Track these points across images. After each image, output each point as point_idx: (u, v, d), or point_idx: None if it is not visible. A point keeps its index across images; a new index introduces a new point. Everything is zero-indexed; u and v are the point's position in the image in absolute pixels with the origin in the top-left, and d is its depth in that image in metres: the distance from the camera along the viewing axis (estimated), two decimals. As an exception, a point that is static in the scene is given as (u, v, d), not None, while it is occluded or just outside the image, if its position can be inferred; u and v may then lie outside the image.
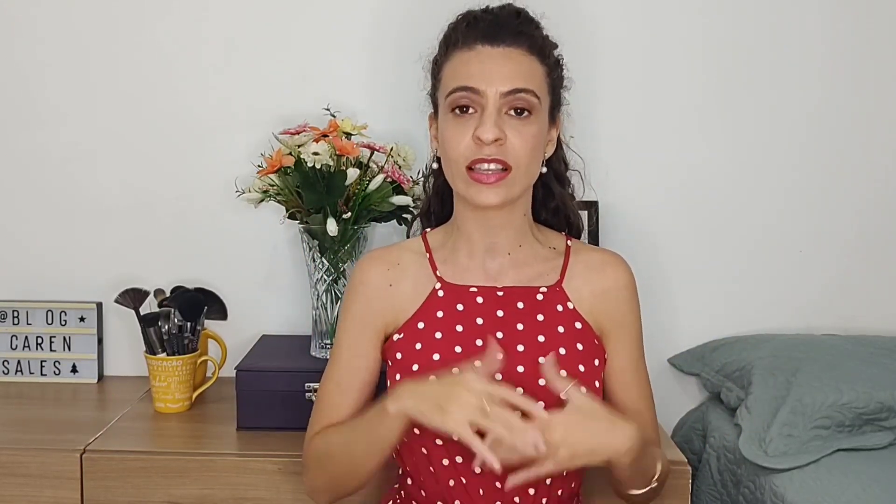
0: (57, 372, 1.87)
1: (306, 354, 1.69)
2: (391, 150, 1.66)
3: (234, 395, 1.60)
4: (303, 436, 1.36)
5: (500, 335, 1.28)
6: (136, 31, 1.86)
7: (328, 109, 1.68)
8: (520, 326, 1.29)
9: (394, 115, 1.79)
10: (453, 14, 1.36)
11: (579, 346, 1.29)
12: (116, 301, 1.72)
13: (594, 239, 1.79)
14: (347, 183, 1.58)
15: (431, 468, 1.26)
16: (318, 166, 1.57)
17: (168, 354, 1.67)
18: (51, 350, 1.87)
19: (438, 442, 1.25)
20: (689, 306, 1.87)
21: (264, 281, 1.88)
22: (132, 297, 1.70)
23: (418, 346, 1.28)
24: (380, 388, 1.33)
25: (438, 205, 1.44)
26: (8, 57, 1.88)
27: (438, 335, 1.28)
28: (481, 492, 1.25)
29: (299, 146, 1.61)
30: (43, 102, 1.88)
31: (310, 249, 1.66)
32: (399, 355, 1.29)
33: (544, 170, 1.34)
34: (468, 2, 1.39)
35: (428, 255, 1.37)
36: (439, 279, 1.33)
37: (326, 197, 1.58)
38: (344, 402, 1.32)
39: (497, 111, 1.25)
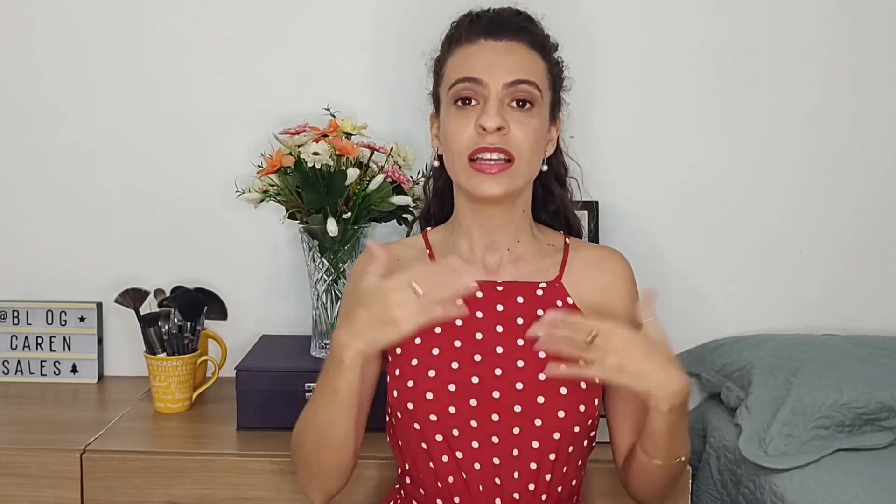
0: (57, 372, 1.87)
1: (306, 354, 1.69)
2: (391, 150, 1.66)
3: (234, 395, 1.60)
4: (303, 436, 1.36)
5: (499, 329, 1.29)
6: (136, 31, 1.86)
7: (328, 109, 1.68)
8: (520, 321, 1.29)
9: (394, 115, 1.79)
10: (453, 14, 1.37)
11: (579, 341, 1.29)
12: (116, 301, 1.72)
13: (594, 239, 1.79)
14: (347, 183, 1.58)
15: (431, 464, 1.26)
16: (318, 166, 1.57)
17: (168, 354, 1.67)
18: (51, 350, 1.87)
19: (438, 438, 1.25)
20: (688, 306, 1.87)
21: (264, 281, 1.88)
22: (132, 297, 1.70)
23: (417, 341, 1.28)
24: (381, 389, 1.33)
25: (438, 206, 1.44)
26: (8, 57, 1.88)
27: (438, 330, 1.28)
28: (481, 488, 1.25)
29: (299, 146, 1.61)
30: (43, 102, 1.88)
31: (310, 249, 1.67)
32: (399, 350, 1.29)
33: (545, 167, 1.35)
34: (468, 1, 1.39)
35: (428, 251, 1.37)
36: (440, 274, 1.33)
37: (326, 197, 1.58)
38: None
39: (500, 102, 1.26)
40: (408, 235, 1.58)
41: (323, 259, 1.65)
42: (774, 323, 1.87)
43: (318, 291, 1.67)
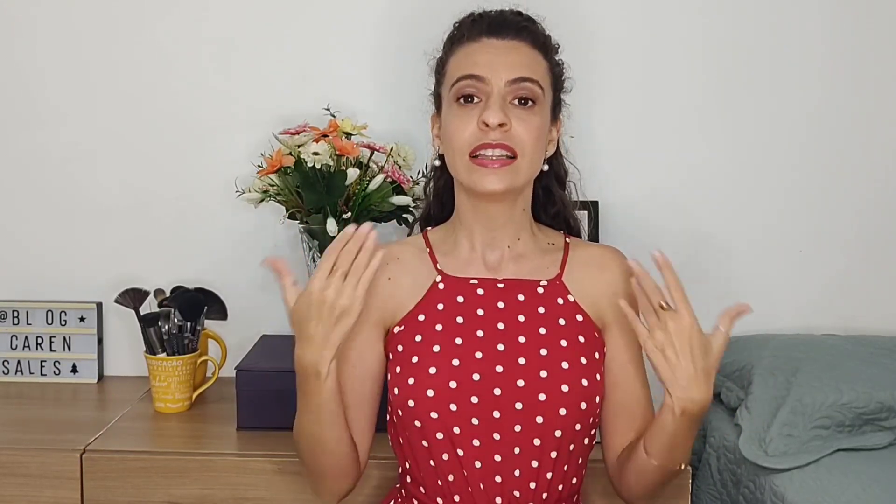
0: (57, 372, 1.87)
1: (306, 354, 1.68)
2: (391, 150, 1.66)
3: (234, 395, 1.60)
4: (303, 436, 1.36)
5: (501, 326, 1.29)
6: (136, 31, 1.86)
7: (328, 109, 1.68)
8: (521, 318, 1.29)
9: (394, 115, 1.79)
10: (454, 14, 1.37)
11: (581, 339, 1.30)
12: (116, 301, 1.72)
13: (594, 239, 1.79)
14: (347, 183, 1.58)
15: (432, 462, 1.26)
16: (318, 166, 1.57)
17: (168, 354, 1.67)
18: (51, 350, 1.87)
19: (439, 436, 1.25)
20: (688, 306, 1.87)
21: (264, 281, 1.87)
22: (132, 297, 1.70)
23: (418, 337, 1.29)
24: (383, 389, 1.33)
25: (438, 208, 1.44)
26: (8, 57, 1.88)
27: (439, 327, 1.29)
28: (481, 486, 1.25)
29: (299, 146, 1.61)
30: (43, 102, 1.88)
31: (310, 249, 1.67)
32: (400, 347, 1.30)
33: (546, 167, 1.35)
34: (470, 1, 1.39)
35: (428, 249, 1.37)
36: (440, 272, 1.34)
37: (326, 197, 1.58)
38: (344, 399, 1.32)
39: (502, 99, 1.27)
40: (409, 236, 1.58)
41: (323, 259, 1.65)
42: (774, 323, 1.87)
43: (319, 291, 1.66)
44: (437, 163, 1.39)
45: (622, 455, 1.32)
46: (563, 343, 1.28)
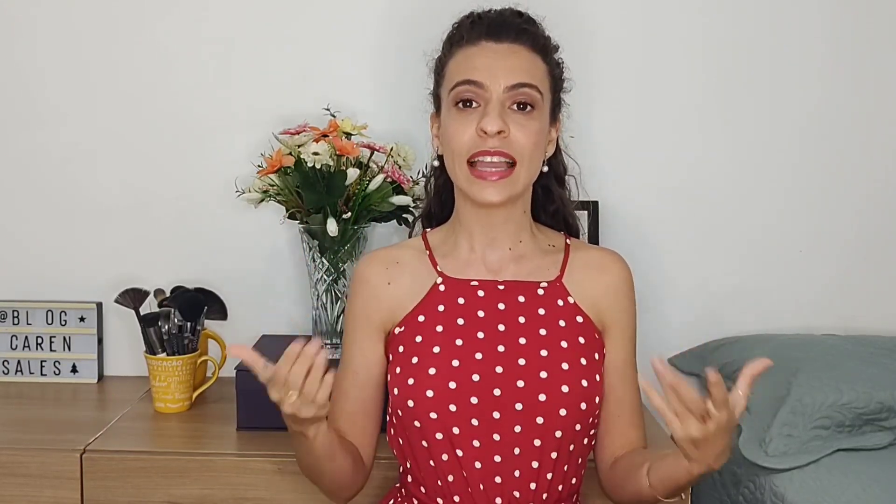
0: (57, 372, 1.87)
1: (306, 354, 1.68)
2: (391, 150, 1.66)
3: (234, 395, 1.60)
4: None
5: (501, 328, 1.29)
6: (136, 31, 1.86)
7: (328, 109, 1.68)
8: (521, 319, 1.29)
9: (394, 115, 1.79)
10: (454, 14, 1.37)
11: (581, 340, 1.30)
12: (116, 301, 1.72)
13: (594, 239, 1.79)
14: (347, 183, 1.58)
15: (432, 462, 1.26)
16: (318, 166, 1.57)
17: (168, 354, 1.67)
18: (51, 350, 1.87)
19: (439, 436, 1.25)
20: (688, 306, 1.87)
21: (264, 281, 1.88)
22: (132, 297, 1.70)
23: (418, 338, 1.29)
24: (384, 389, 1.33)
25: (438, 206, 1.44)
26: (8, 57, 1.88)
27: (439, 328, 1.29)
28: (482, 487, 1.25)
29: (299, 146, 1.61)
30: (43, 102, 1.88)
31: (310, 249, 1.67)
32: (400, 348, 1.30)
33: (545, 169, 1.35)
34: (469, 1, 1.39)
35: (428, 251, 1.37)
36: (440, 274, 1.34)
37: (326, 197, 1.58)
38: (347, 406, 1.33)
39: (501, 105, 1.26)
40: (410, 236, 1.58)
41: (323, 259, 1.65)
42: (774, 323, 1.87)
43: (318, 291, 1.67)
44: (437, 163, 1.38)
45: (620, 466, 1.30)
46: (564, 344, 1.28)
